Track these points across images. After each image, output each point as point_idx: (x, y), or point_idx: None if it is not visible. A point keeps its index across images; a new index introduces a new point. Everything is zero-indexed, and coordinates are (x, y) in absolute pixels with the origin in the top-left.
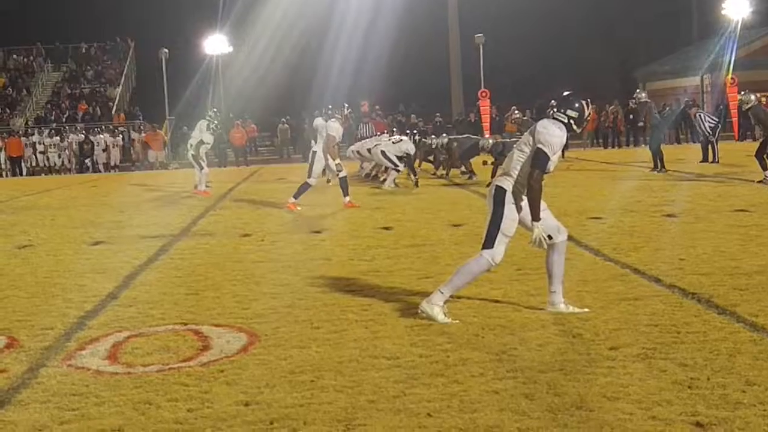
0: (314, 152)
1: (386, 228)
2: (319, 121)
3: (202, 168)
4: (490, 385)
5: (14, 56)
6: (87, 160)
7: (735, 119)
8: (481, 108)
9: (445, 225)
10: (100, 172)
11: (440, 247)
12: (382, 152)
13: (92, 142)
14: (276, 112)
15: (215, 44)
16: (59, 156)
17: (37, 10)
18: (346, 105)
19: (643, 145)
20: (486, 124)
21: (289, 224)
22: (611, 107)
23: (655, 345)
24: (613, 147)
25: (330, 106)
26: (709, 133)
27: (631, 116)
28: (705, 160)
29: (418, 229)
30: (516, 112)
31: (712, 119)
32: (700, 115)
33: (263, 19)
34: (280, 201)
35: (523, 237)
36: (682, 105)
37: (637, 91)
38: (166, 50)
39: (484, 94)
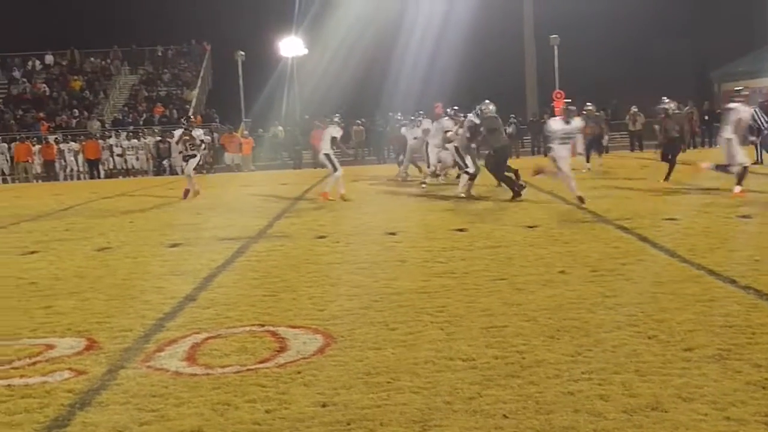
0: (728, 139)
1: (460, 230)
2: None
3: (336, 169)
4: (565, 387)
5: (91, 59)
6: (165, 161)
7: None
8: (555, 109)
9: (520, 226)
10: (176, 174)
11: (515, 249)
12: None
13: (169, 143)
14: (349, 114)
15: (291, 46)
16: (137, 158)
17: (114, 13)
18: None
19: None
20: None
21: (364, 226)
22: (686, 108)
23: (730, 346)
24: (689, 147)
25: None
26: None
27: (707, 117)
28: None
29: (492, 231)
30: (588, 105)
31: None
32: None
33: (338, 21)
34: (354, 202)
35: (599, 238)
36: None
37: (666, 100)
38: (242, 53)
39: (558, 95)
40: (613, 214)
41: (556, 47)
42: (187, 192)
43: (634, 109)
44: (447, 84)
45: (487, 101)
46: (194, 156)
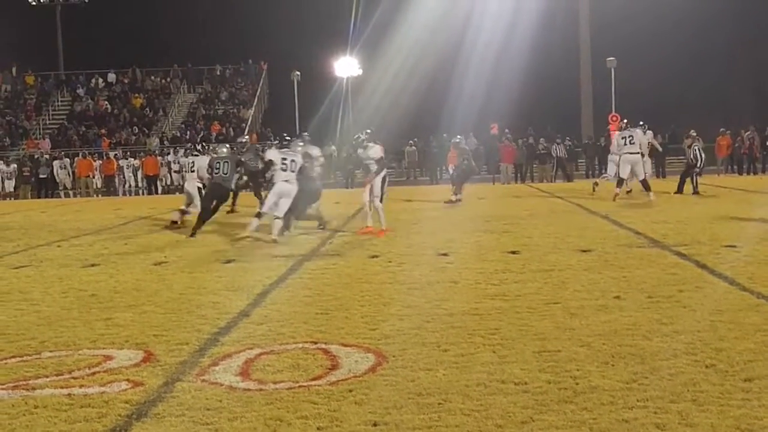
0: None
1: (513, 252)
2: None
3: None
4: (620, 414)
5: (152, 77)
6: None
7: None
8: (611, 132)
9: (574, 250)
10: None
11: (569, 273)
12: None
13: None
14: (404, 135)
15: (346, 67)
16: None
17: (174, 33)
18: None
19: None
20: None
21: (417, 246)
22: (747, 132)
23: None
24: (748, 173)
25: None
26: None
27: None
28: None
29: (545, 254)
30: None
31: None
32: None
33: (394, 42)
34: (406, 222)
35: (655, 264)
36: None
37: None
38: (298, 73)
39: (614, 118)
40: (670, 239)
41: (613, 70)
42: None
43: (692, 133)
44: (506, 105)
45: (220, 144)
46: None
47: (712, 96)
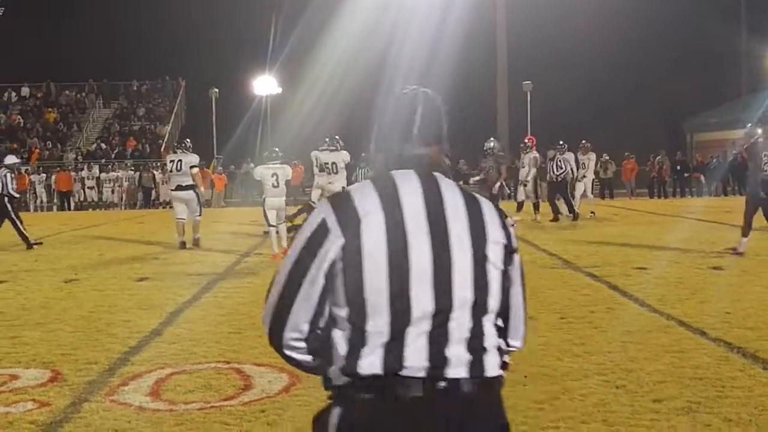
0: None
1: None
2: None
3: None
4: None
5: (66, 92)
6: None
7: None
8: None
9: None
10: (147, 208)
11: None
12: None
13: (153, 174)
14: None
15: (264, 85)
16: (113, 191)
17: (90, 47)
18: None
19: (689, 196)
20: None
21: None
22: (657, 157)
23: (700, 399)
24: (659, 197)
25: None
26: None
27: (678, 167)
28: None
29: None
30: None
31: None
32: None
33: (314, 61)
34: None
35: (568, 285)
36: (731, 157)
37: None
38: (216, 90)
39: (530, 141)
40: (583, 261)
41: (529, 93)
42: None
43: (605, 156)
44: None
45: None
46: None
47: (623, 121)
